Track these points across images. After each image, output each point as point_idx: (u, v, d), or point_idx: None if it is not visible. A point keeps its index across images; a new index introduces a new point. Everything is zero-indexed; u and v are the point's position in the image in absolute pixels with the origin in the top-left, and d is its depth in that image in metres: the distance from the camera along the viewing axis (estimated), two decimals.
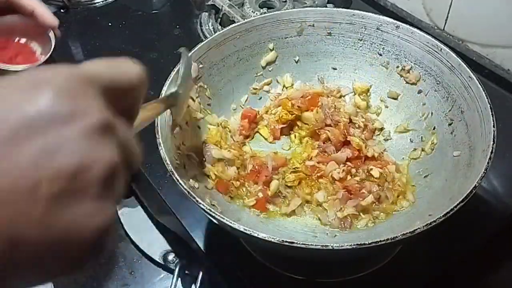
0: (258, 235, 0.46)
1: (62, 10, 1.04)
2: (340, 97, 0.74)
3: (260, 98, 0.75)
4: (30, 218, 0.20)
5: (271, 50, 0.73)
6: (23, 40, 0.70)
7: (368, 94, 0.74)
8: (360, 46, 0.72)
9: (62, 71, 0.23)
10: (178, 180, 0.52)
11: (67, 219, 0.21)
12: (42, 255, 0.21)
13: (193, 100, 0.66)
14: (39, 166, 0.21)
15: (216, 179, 0.62)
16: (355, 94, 0.74)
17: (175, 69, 0.60)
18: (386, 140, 0.70)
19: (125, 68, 0.28)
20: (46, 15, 0.63)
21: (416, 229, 0.46)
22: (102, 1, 1.06)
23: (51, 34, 0.70)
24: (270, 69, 0.74)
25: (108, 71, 0.26)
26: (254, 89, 0.74)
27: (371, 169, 0.64)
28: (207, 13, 0.99)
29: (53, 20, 0.63)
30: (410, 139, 0.69)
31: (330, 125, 0.69)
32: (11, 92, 0.22)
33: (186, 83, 0.59)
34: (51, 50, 0.70)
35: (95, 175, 0.22)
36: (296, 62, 0.75)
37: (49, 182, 0.21)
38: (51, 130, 0.21)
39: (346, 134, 0.68)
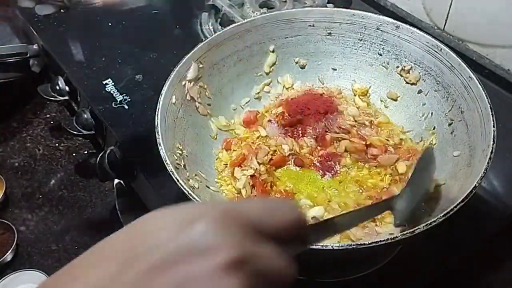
0: None
1: (62, 10, 1.04)
2: (341, 98, 0.74)
3: (260, 99, 0.75)
4: None
5: (272, 52, 0.73)
6: None
7: (368, 95, 0.74)
8: (360, 46, 0.72)
9: (214, 207, 0.27)
10: (178, 180, 0.52)
11: None
12: None
13: (195, 100, 0.66)
14: None
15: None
16: (354, 95, 0.74)
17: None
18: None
19: (279, 214, 0.29)
20: None
21: (416, 229, 0.46)
22: (102, 1, 1.06)
23: None
24: (270, 70, 0.74)
25: (261, 212, 0.28)
26: (257, 93, 0.74)
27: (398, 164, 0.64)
28: (207, 13, 0.99)
29: None
30: (410, 139, 0.69)
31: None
32: (167, 224, 0.26)
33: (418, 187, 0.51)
34: None
35: None
36: (296, 63, 0.75)
37: None
38: (187, 262, 0.24)
39: (364, 138, 0.67)
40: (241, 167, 0.65)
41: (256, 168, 0.64)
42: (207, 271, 0.24)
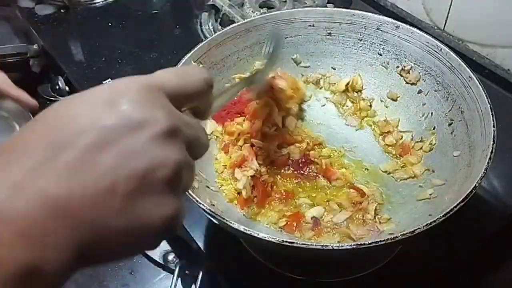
0: (258, 235, 0.46)
1: (62, 10, 1.04)
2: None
3: None
4: (111, 211, 0.24)
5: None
6: None
7: (360, 93, 0.73)
8: (360, 46, 0.72)
9: (134, 83, 0.27)
10: None
11: (140, 211, 0.25)
12: (124, 240, 0.25)
13: None
14: (116, 168, 0.25)
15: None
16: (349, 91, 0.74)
17: (265, 48, 0.64)
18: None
19: (191, 77, 0.31)
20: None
21: (416, 229, 0.45)
22: (102, 1, 1.06)
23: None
24: None
25: (175, 80, 0.30)
26: None
27: None
28: (207, 13, 0.99)
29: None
30: (411, 138, 0.68)
31: None
32: (92, 105, 0.26)
33: (271, 62, 0.63)
34: None
35: (162, 175, 0.26)
36: (296, 62, 0.75)
37: (125, 182, 0.25)
38: (126, 137, 0.25)
39: None
40: (242, 168, 0.65)
41: (257, 169, 0.64)
42: (146, 142, 0.26)
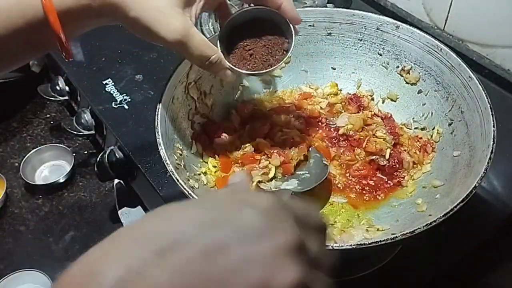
0: None
1: None
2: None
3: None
4: None
5: None
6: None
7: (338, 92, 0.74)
8: (360, 46, 0.72)
9: (263, 196, 0.28)
10: (178, 180, 0.52)
11: None
12: None
13: (195, 100, 0.66)
14: (230, 275, 0.23)
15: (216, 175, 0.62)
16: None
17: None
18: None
19: (315, 215, 0.31)
20: (293, 12, 0.56)
21: (416, 229, 0.46)
22: None
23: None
24: None
25: (303, 207, 0.30)
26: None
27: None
28: (207, 13, 0.99)
29: (297, 17, 0.57)
30: (409, 128, 0.69)
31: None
32: (223, 208, 0.27)
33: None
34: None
35: None
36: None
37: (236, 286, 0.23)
38: (248, 244, 0.24)
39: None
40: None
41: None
42: (266, 253, 0.24)
